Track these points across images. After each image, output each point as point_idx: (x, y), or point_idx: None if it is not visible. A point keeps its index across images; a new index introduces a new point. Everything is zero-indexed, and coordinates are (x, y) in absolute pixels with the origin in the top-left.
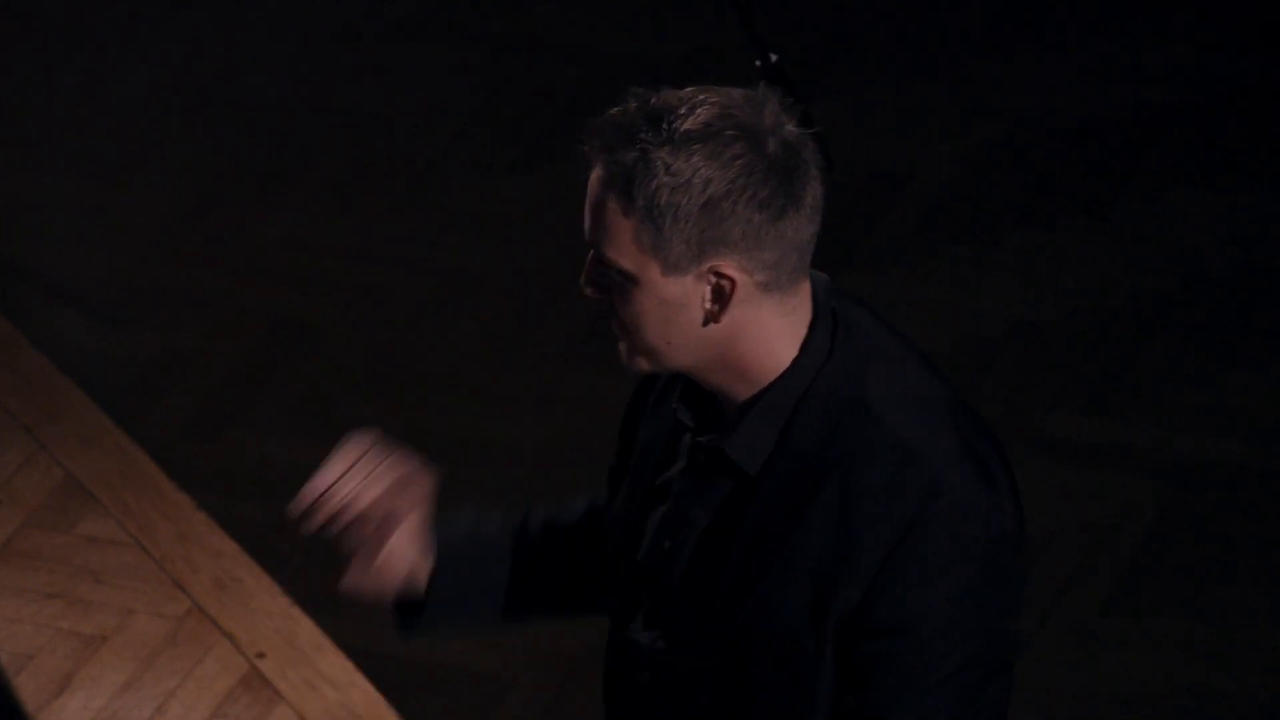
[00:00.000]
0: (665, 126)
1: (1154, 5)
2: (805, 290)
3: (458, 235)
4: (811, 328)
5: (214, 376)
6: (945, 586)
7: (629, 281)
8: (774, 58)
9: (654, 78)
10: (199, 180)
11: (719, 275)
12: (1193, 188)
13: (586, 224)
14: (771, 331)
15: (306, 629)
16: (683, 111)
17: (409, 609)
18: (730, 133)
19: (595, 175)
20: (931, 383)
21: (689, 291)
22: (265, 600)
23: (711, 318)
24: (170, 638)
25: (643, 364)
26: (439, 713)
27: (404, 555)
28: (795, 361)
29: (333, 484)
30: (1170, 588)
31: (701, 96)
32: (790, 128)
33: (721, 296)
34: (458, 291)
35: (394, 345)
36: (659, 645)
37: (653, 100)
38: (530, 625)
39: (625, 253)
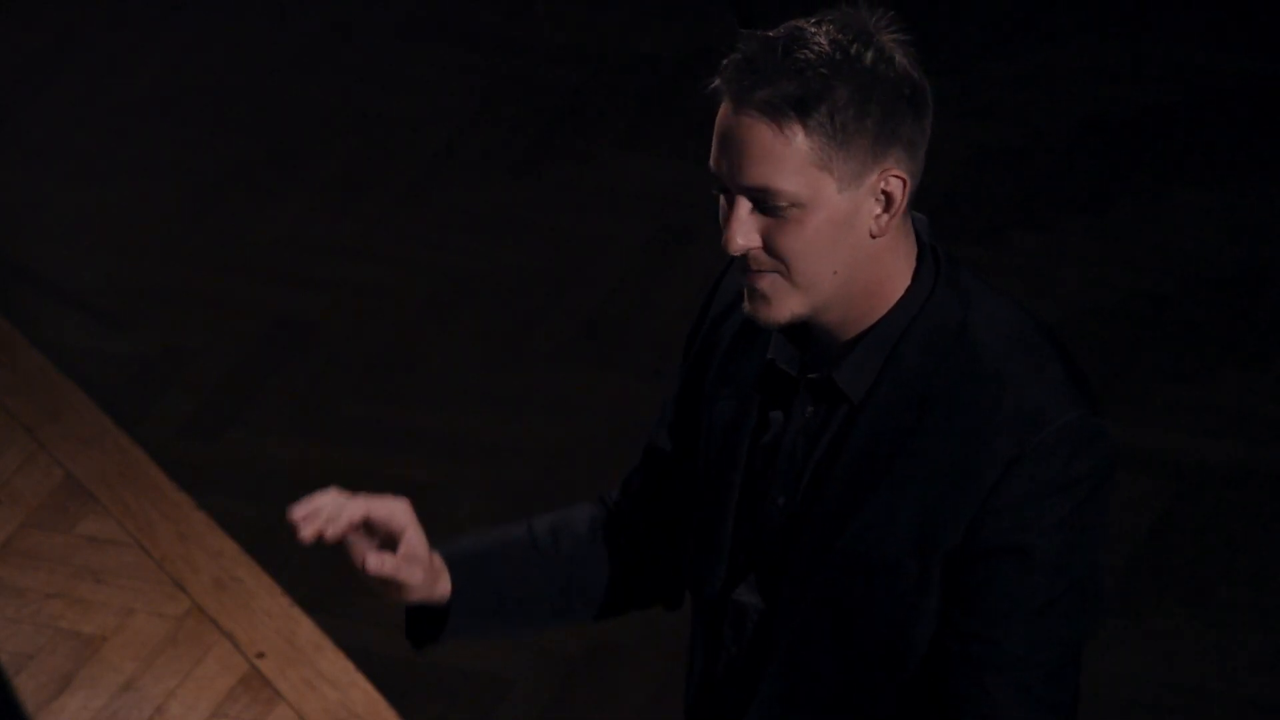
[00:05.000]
0: (813, 47)
1: (1154, 4)
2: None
3: (458, 235)
4: (919, 258)
5: (214, 376)
6: (1054, 511)
7: (798, 208)
8: None
9: (654, 78)
10: (199, 180)
11: (891, 178)
12: (1193, 188)
13: (737, 166)
14: (901, 251)
15: (306, 629)
16: (813, 32)
17: (423, 620)
18: (872, 38)
19: (749, 112)
20: (1032, 318)
21: (859, 206)
22: (265, 600)
23: (878, 231)
24: (170, 638)
25: (791, 308)
26: (439, 713)
27: (421, 546)
28: (908, 290)
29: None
30: (1170, 588)
31: (815, 20)
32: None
33: (891, 204)
34: (458, 291)
35: (394, 345)
36: (765, 599)
37: (776, 33)
38: (545, 629)
39: (797, 177)
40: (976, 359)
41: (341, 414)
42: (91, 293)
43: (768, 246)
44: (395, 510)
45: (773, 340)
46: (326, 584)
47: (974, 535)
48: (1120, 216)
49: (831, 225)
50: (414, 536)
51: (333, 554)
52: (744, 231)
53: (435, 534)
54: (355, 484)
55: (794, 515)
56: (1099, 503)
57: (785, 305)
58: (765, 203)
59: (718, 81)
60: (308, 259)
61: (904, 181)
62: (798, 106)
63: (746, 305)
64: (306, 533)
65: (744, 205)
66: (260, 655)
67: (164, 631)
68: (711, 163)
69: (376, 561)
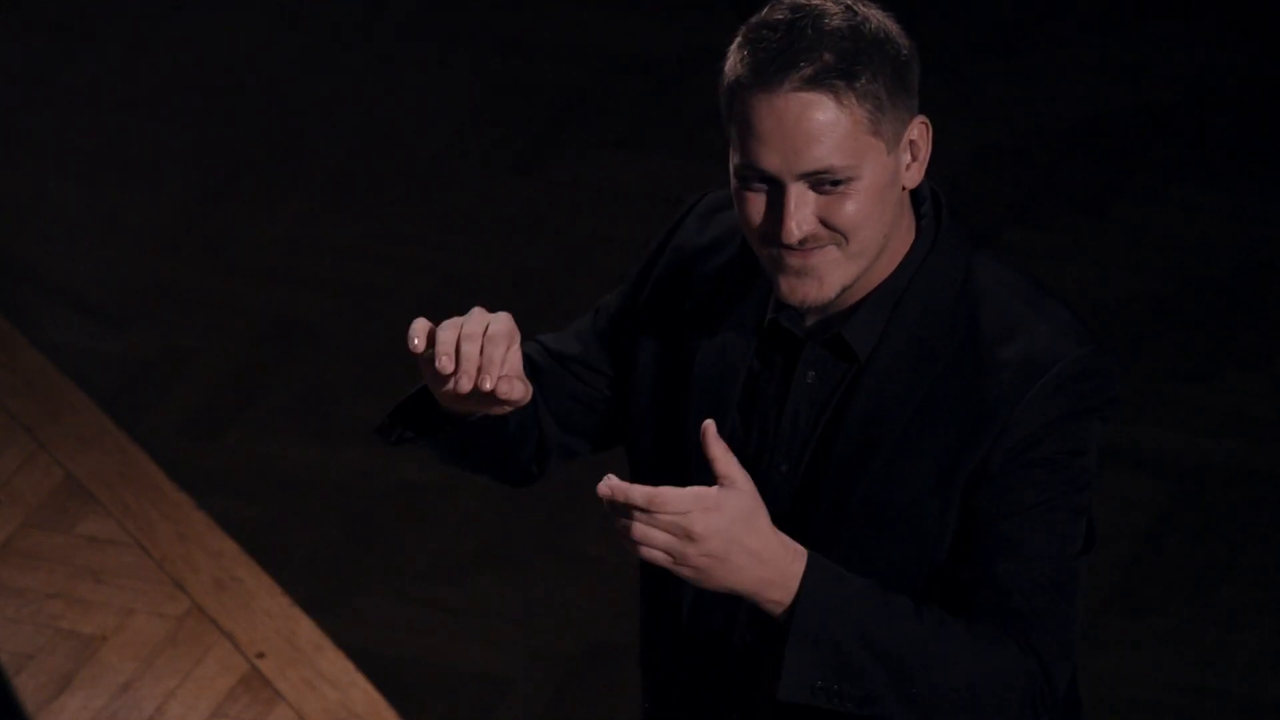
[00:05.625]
0: (832, 19)
1: (1155, 5)
2: None
3: (458, 235)
4: (919, 213)
5: (214, 376)
6: (1065, 436)
7: (856, 180)
8: None
9: (654, 78)
10: (199, 180)
11: (917, 127)
12: (1193, 188)
13: (792, 152)
14: (908, 207)
15: (306, 629)
16: (821, 5)
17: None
18: (864, 3)
19: (800, 91)
20: (1028, 274)
21: (899, 162)
22: (265, 600)
23: (910, 182)
24: (170, 638)
25: (842, 280)
26: (439, 713)
27: (520, 359)
28: (912, 246)
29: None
30: (1170, 588)
31: None
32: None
33: (918, 153)
34: (458, 291)
35: (394, 345)
36: None
37: (786, 15)
38: (511, 463)
39: (854, 148)
40: (983, 306)
41: (341, 414)
42: (91, 293)
43: (824, 223)
44: (513, 331)
45: (772, 300)
46: (326, 584)
47: (987, 468)
48: (1120, 216)
49: (884, 188)
50: (516, 353)
51: (333, 554)
52: (803, 219)
53: (435, 533)
54: (355, 484)
55: (800, 481)
56: (1101, 424)
57: (837, 279)
58: (823, 182)
59: (735, 76)
60: (308, 259)
61: (927, 127)
62: (844, 75)
63: (787, 290)
64: (465, 385)
65: (799, 191)
66: (260, 655)
67: (164, 631)
68: (750, 158)
69: (507, 387)
